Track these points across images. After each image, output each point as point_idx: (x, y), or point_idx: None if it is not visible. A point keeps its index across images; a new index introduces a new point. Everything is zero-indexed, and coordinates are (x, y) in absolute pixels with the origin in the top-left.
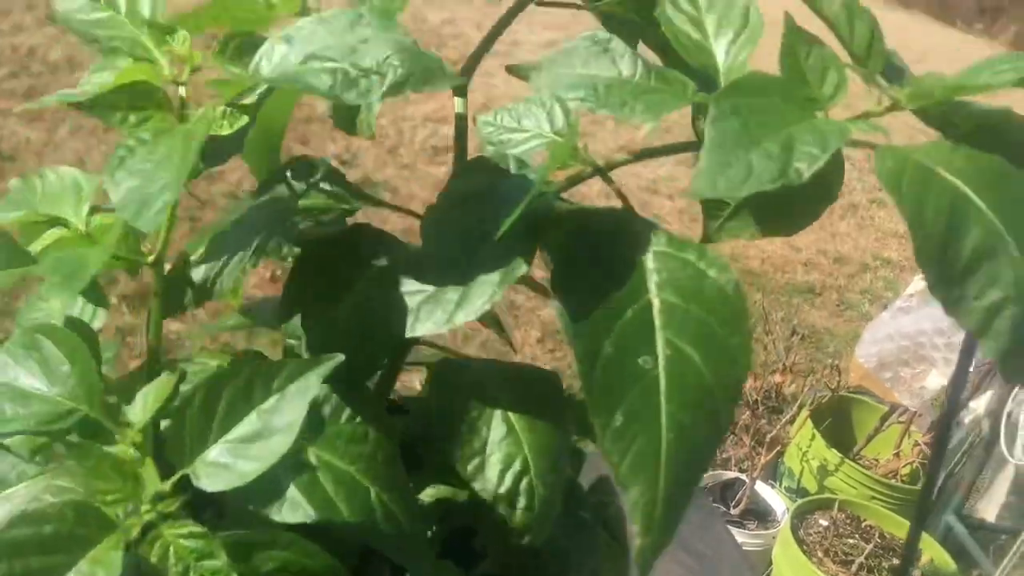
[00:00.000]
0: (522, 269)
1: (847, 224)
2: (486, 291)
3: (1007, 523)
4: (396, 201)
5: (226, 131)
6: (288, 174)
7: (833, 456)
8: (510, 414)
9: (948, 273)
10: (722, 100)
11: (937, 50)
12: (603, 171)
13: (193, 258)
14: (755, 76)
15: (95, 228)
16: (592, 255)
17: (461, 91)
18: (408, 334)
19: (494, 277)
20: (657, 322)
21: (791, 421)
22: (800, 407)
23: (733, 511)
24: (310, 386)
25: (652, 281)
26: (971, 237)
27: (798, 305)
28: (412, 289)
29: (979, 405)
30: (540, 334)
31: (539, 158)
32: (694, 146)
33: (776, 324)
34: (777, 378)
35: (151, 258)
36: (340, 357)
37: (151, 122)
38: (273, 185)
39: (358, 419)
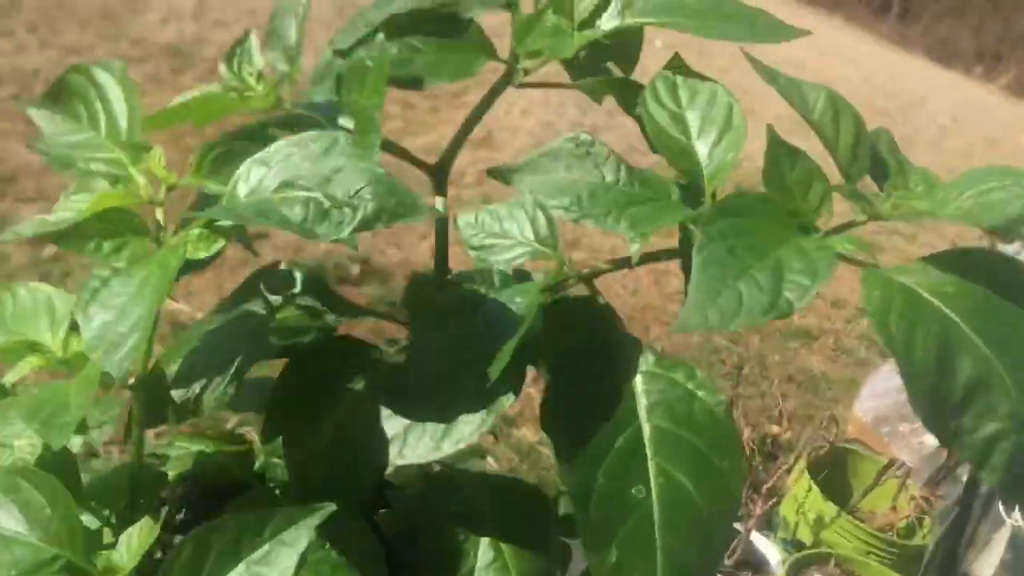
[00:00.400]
0: (510, 400)
1: (844, 267)
2: (474, 420)
3: None
4: (393, 232)
5: (203, 254)
6: (262, 285)
7: (829, 508)
8: (498, 538)
9: (942, 408)
10: (709, 224)
11: (936, 94)
12: (589, 278)
13: (169, 373)
14: (740, 196)
15: (73, 355)
16: (581, 381)
17: (440, 187)
18: (393, 463)
19: (481, 407)
20: (648, 450)
21: (788, 470)
22: (797, 457)
23: (727, 561)
24: (301, 536)
25: (642, 405)
26: (964, 369)
27: (795, 349)
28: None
29: None
30: (533, 373)
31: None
32: (677, 253)
33: (772, 369)
34: (774, 428)
35: (131, 380)
36: (331, 507)
37: (126, 249)
38: (246, 296)
39: (344, 545)
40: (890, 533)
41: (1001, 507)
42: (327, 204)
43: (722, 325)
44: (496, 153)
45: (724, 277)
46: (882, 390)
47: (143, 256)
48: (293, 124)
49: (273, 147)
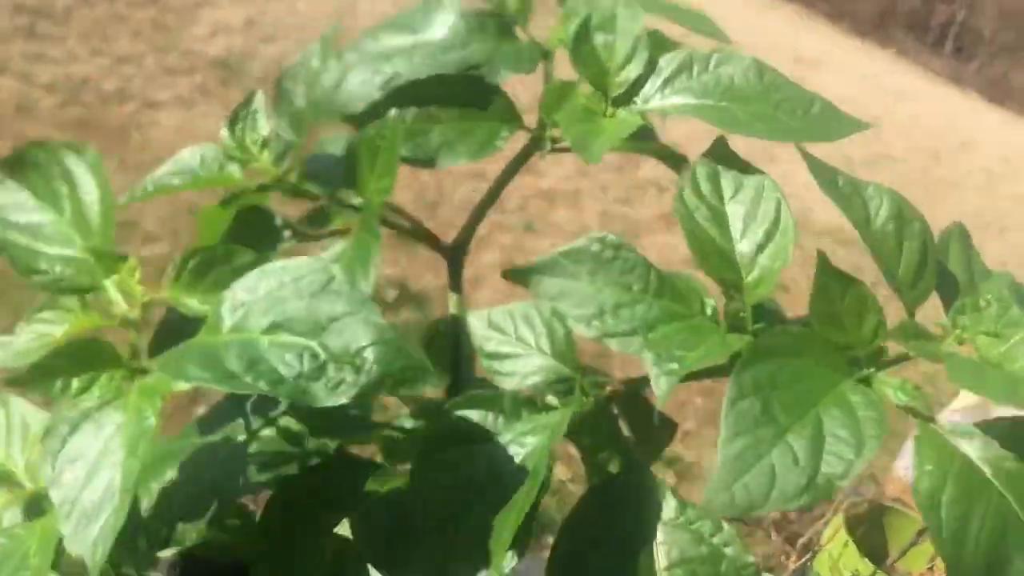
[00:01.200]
0: (512, 561)
1: (887, 311)
2: None
3: None
4: (431, 258)
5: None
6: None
7: (865, 567)
8: None
9: None
10: (742, 372)
11: (988, 134)
12: (609, 401)
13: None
14: (782, 332)
15: (42, 488)
16: (594, 534)
17: (456, 282)
18: None
19: (481, 563)
20: None
21: (824, 523)
22: (835, 510)
23: None
24: None
25: (660, 564)
26: (1017, 568)
27: None
28: None
29: None
30: None
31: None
32: (722, 371)
33: None
34: None
35: None
36: None
37: (98, 386)
38: (232, 412)
39: None
40: None
41: None
42: (323, 356)
43: (750, 507)
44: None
45: (755, 446)
46: None
47: (116, 396)
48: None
49: (257, 273)
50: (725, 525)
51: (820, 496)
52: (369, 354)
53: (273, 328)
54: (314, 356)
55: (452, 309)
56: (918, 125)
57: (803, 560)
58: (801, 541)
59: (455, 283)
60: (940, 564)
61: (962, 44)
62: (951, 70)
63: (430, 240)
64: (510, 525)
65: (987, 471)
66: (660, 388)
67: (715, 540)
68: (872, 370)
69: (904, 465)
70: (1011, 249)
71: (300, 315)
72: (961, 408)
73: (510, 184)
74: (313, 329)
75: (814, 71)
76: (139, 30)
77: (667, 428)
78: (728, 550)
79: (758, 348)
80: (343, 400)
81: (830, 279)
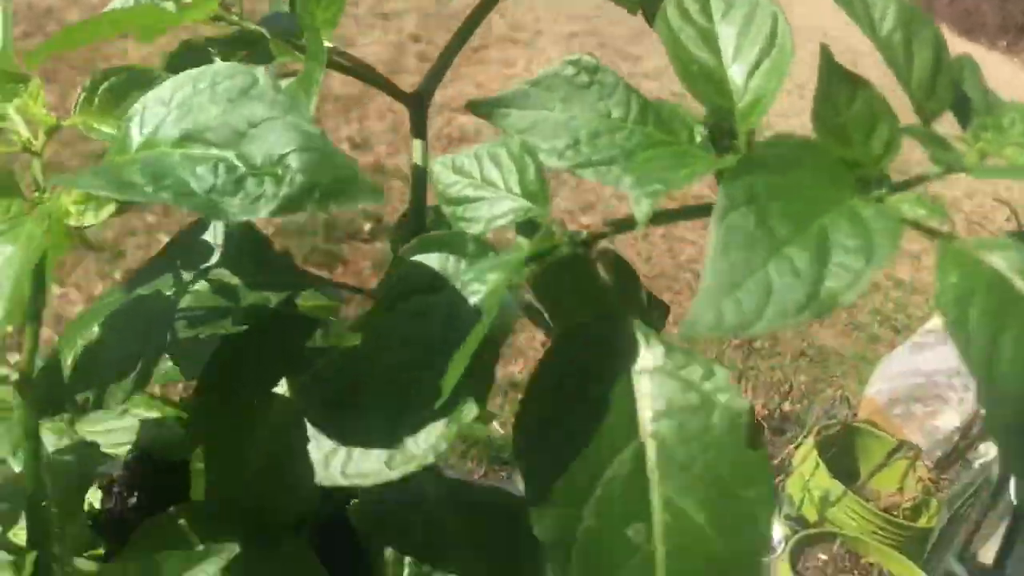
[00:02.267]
0: (473, 411)
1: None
2: (431, 435)
3: (1009, 570)
4: (403, 188)
5: (90, 222)
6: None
7: (836, 487)
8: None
9: None
10: (733, 182)
11: None
12: (585, 244)
13: (66, 364)
14: (778, 142)
15: None
16: (568, 384)
17: (420, 129)
18: (327, 482)
19: (439, 422)
20: (653, 475)
21: (796, 446)
22: (807, 432)
23: None
24: None
25: (645, 414)
26: None
27: (807, 323)
28: None
29: (989, 449)
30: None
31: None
32: (699, 211)
33: (784, 343)
34: (786, 406)
35: (15, 375)
36: (235, 550)
37: None
38: (162, 267)
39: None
40: (895, 514)
41: (1012, 494)
42: (242, 168)
43: (741, 327)
44: None
45: (749, 258)
46: (897, 372)
47: (10, 227)
48: (238, 46)
49: (171, 82)
50: (717, 370)
51: (820, 313)
52: (293, 161)
53: (184, 139)
54: (230, 168)
55: (415, 158)
56: None
57: (775, 481)
58: (774, 462)
59: (418, 130)
60: (909, 485)
61: None
62: (924, 3)
63: (390, 88)
64: (458, 363)
65: (1020, 284)
66: (641, 210)
67: (706, 386)
68: (884, 191)
69: (877, 389)
70: (983, 207)
71: (215, 123)
72: (932, 328)
73: None
74: (230, 138)
75: (786, 1)
76: None
77: (659, 308)
78: (721, 397)
79: (754, 156)
80: (263, 214)
81: (835, 82)
